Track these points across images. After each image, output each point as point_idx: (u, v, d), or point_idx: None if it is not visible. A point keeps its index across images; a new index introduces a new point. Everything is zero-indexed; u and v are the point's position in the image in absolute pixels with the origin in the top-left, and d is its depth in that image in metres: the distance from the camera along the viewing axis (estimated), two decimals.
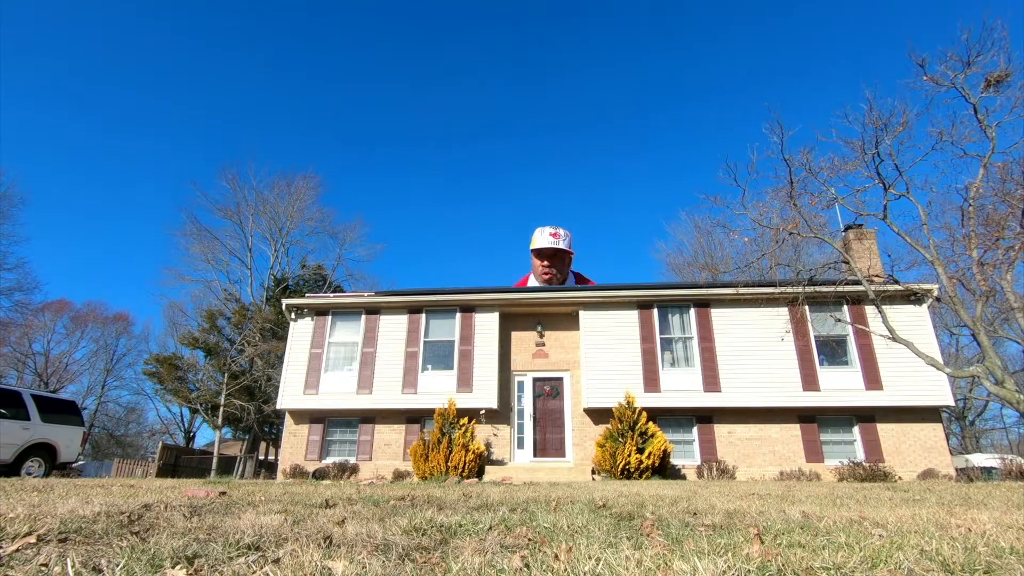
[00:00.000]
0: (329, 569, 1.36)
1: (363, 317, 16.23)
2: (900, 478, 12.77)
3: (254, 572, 1.33)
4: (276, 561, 1.44)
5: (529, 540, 1.84)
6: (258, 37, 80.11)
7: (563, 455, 14.78)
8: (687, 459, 14.13)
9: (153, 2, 69.06)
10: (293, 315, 16.49)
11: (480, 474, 12.75)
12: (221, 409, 28.12)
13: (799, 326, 14.47)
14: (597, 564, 1.45)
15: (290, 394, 15.54)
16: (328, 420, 15.62)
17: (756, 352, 14.53)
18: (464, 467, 12.24)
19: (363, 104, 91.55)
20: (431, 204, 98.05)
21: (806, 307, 14.37)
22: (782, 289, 13.15)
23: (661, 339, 15.00)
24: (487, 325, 15.61)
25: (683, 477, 13.50)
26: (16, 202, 31.09)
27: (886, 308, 12.12)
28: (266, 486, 6.43)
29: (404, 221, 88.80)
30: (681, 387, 14.43)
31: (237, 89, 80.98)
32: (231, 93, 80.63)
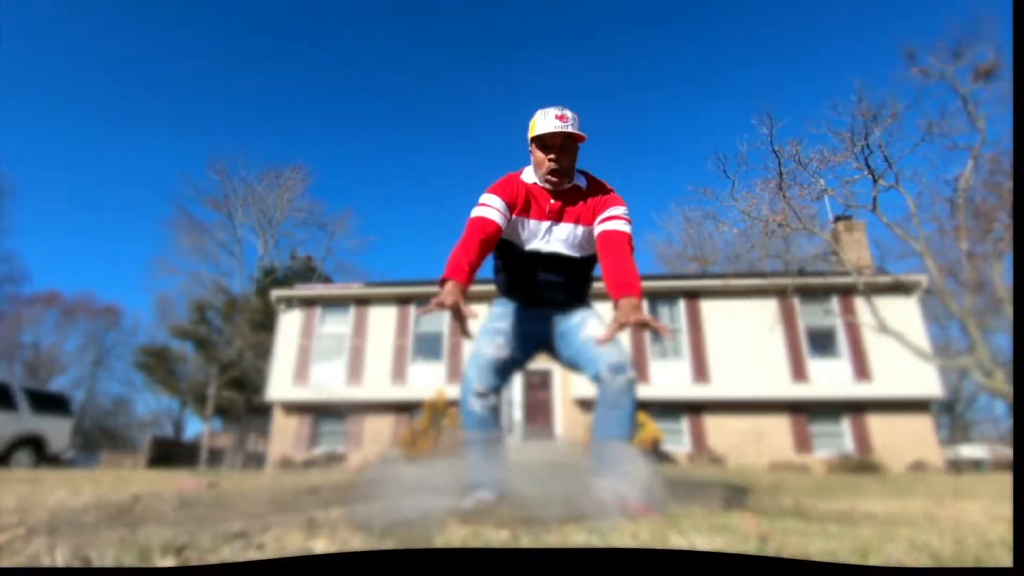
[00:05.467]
0: (310, 548, 1.37)
1: (352, 308, 16.15)
2: (890, 469, 12.90)
3: (239, 558, 1.32)
4: (260, 546, 1.43)
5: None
6: (253, 29, 79.16)
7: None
8: (677, 450, 14.20)
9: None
10: (282, 306, 16.39)
11: None
12: (210, 401, 27.98)
13: (788, 317, 14.55)
14: (590, 535, 1.44)
15: (279, 385, 15.46)
16: (317, 411, 15.56)
17: (745, 343, 14.60)
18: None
19: (357, 94, 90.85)
20: (424, 194, 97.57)
21: (795, 298, 14.44)
22: (771, 280, 13.20)
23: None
24: (477, 315, 15.57)
25: None
26: (3, 194, 30.63)
27: (875, 299, 12.21)
28: (255, 477, 6.41)
29: (397, 212, 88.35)
30: (670, 378, 14.49)
31: (228, 78, 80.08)
32: (222, 81, 79.74)
